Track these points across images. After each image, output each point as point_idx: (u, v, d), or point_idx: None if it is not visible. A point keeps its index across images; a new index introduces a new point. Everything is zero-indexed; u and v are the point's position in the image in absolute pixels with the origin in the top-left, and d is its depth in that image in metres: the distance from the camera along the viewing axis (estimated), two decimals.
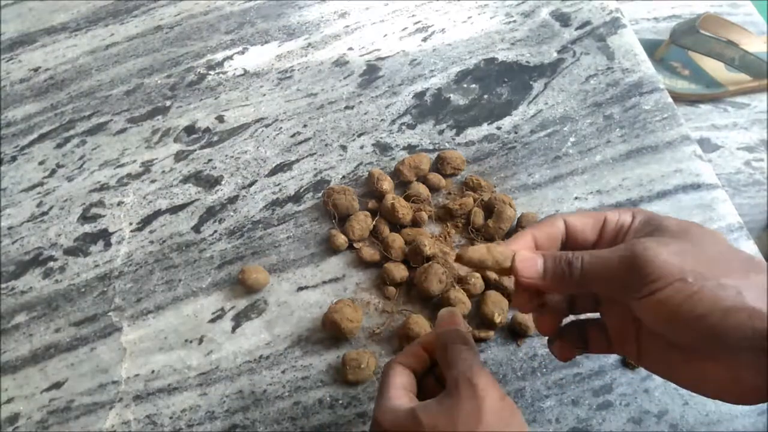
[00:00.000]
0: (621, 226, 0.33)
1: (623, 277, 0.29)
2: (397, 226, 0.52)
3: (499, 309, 0.47)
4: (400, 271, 0.50)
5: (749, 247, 0.51)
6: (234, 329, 0.50)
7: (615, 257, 0.29)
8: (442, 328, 0.38)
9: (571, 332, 0.37)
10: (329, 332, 0.48)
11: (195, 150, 0.59)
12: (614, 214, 0.33)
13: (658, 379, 0.46)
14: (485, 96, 0.60)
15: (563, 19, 0.64)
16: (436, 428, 0.32)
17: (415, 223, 0.52)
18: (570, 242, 0.34)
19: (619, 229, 0.33)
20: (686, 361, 0.30)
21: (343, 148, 0.58)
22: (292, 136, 0.59)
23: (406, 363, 0.38)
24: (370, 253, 0.51)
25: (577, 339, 0.37)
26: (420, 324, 0.47)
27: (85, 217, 0.57)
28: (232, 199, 0.56)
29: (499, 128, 0.58)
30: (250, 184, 0.57)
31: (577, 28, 0.63)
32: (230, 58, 0.64)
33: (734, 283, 0.26)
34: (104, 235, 0.55)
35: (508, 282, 0.48)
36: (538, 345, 0.48)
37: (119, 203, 0.57)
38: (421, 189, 0.53)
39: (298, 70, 0.63)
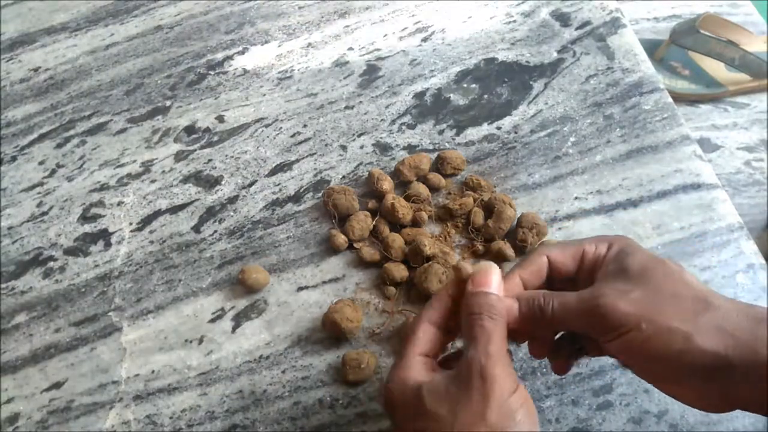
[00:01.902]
0: (598, 256, 0.36)
1: (588, 322, 0.33)
2: (397, 226, 0.52)
3: None
4: (400, 271, 0.50)
5: (749, 247, 0.51)
6: (234, 329, 0.50)
7: (580, 306, 0.33)
8: (474, 288, 0.34)
9: (564, 346, 0.38)
10: (329, 332, 0.48)
11: (195, 150, 0.59)
12: (591, 246, 0.36)
13: None
14: (485, 96, 0.60)
15: (563, 19, 0.64)
16: (437, 415, 0.31)
17: (415, 223, 0.52)
18: (554, 274, 0.37)
19: (596, 260, 0.36)
20: (659, 380, 0.34)
21: (343, 148, 0.58)
22: (292, 136, 0.59)
23: (432, 319, 0.35)
24: (370, 253, 0.51)
25: (572, 349, 0.38)
26: None
27: (85, 217, 0.57)
28: (232, 199, 0.56)
29: (499, 128, 0.58)
30: (250, 184, 0.57)
31: (577, 28, 0.63)
32: (230, 58, 0.64)
33: (685, 327, 0.30)
34: (104, 235, 0.55)
35: None
36: None
37: (119, 203, 0.57)
38: (421, 189, 0.53)
39: (298, 70, 0.63)
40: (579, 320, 0.33)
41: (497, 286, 0.35)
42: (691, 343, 0.30)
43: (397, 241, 0.51)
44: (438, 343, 0.36)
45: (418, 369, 0.34)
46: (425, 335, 0.35)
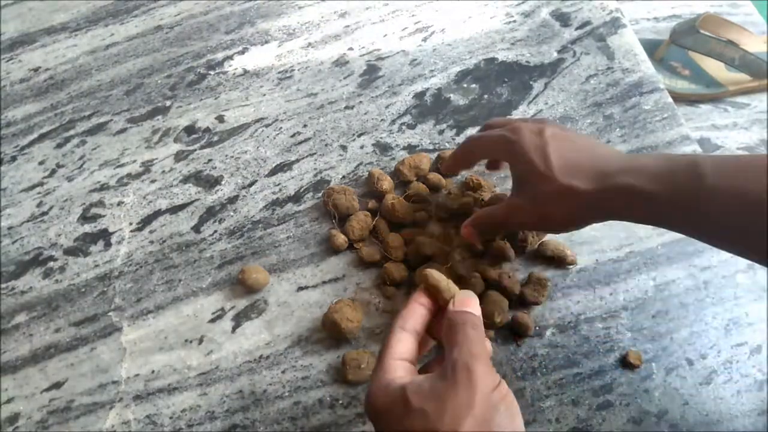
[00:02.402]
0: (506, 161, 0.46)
1: (510, 230, 0.49)
2: (397, 225, 0.52)
3: (499, 309, 0.47)
4: (400, 271, 0.50)
5: None
6: (234, 329, 0.50)
7: (502, 220, 0.45)
8: (456, 308, 0.37)
9: None
10: (329, 332, 0.48)
11: (195, 150, 0.59)
12: (504, 154, 0.45)
13: (658, 379, 0.46)
14: (485, 96, 0.60)
15: (563, 19, 0.64)
16: (424, 411, 0.32)
17: (415, 223, 0.52)
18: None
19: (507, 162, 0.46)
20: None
21: (343, 148, 0.58)
22: (292, 136, 0.59)
23: (406, 327, 0.37)
24: (370, 253, 0.51)
25: None
26: None
27: (85, 217, 0.57)
28: (232, 199, 0.56)
29: None
30: (250, 184, 0.57)
31: (577, 28, 0.63)
32: (230, 58, 0.64)
33: (565, 216, 0.41)
34: (104, 235, 0.55)
35: (508, 282, 0.48)
36: (538, 345, 0.48)
37: (119, 203, 0.57)
38: (421, 189, 0.53)
39: (298, 70, 0.63)
40: (503, 228, 0.47)
41: (477, 309, 0.38)
42: (574, 220, 0.42)
43: (396, 241, 0.51)
44: (413, 348, 0.37)
45: (399, 373, 0.35)
46: (400, 341, 0.37)
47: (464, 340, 0.35)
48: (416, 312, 0.38)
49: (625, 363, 0.47)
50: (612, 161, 0.40)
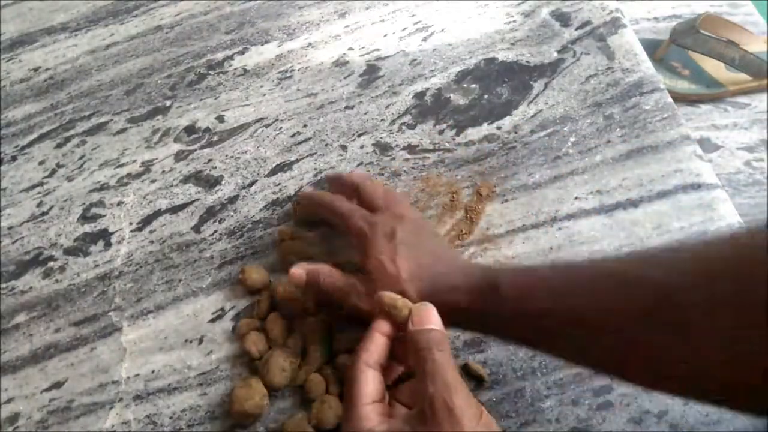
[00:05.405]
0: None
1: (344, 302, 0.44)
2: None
3: None
4: (261, 274, 0.51)
5: None
6: (234, 329, 0.50)
7: (341, 290, 0.44)
8: (417, 326, 0.36)
9: None
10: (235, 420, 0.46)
11: (195, 150, 0.59)
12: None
13: None
14: (485, 96, 0.60)
15: (563, 19, 0.64)
16: None
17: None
18: None
19: None
20: None
21: (343, 148, 0.58)
22: (292, 136, 0.59)
23: (370, 363, 0.36)
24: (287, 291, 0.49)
25: None
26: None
27: (85, 217, 0.57)
28: (232, 199, 0.56)
29: (499, 128, 0.58)
30: (250, 184, 0.57)
31: (577, 28, 0.63)
32: (230, 58, 0.64)
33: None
34: (104, 235, 0.55)
35: None
36: None
37: (119, 203, 0.57)
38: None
39: (298, 70, 0.63)
40: (337, 297, 0.44)
41: (437, 322, 0.36)
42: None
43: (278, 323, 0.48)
44: (381, 385, 0.36)
45: (373, 419, 0.34)
46: (369, 382, 0.35)
47: (435, 369, 0.33)
48: (378, 343, 0.37)
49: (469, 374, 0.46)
50: (450, 277, 0.41)
